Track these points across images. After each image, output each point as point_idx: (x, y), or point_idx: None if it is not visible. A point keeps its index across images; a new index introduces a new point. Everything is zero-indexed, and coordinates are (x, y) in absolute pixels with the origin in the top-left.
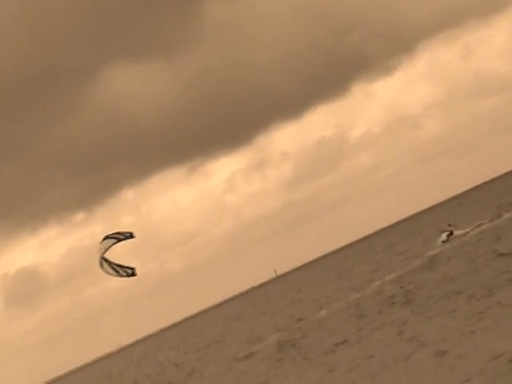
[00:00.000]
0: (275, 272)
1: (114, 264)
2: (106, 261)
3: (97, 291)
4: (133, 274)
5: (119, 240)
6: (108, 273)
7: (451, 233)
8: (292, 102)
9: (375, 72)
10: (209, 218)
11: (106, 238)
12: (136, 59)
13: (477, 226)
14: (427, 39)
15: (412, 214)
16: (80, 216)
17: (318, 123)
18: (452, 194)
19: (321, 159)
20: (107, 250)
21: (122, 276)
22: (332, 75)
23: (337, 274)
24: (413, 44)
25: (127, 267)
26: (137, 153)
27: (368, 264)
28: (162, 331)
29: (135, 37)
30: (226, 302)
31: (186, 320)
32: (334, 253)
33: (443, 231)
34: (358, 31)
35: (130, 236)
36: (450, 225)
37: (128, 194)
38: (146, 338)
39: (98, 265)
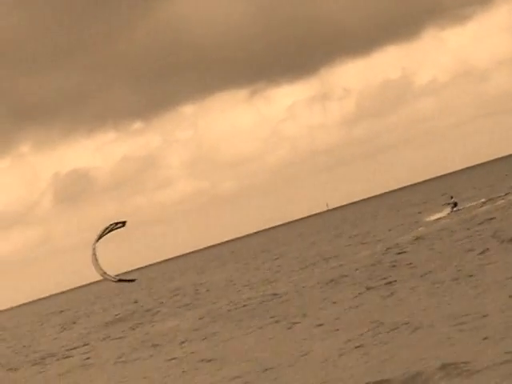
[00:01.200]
0: (326, 205)
1: (113, 277)
2: (107, 275)
3: (144, 202)
4: (132, 280)
5: (111, 230)
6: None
7: (455, 204)
8: (361, 38)
9: (448, 19)
10: (265, 144)
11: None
12: None
13: (483, 203)
14: None
15: (465, 167)
16: (137, 125)
17: (385, 64)
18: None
19: (383, 100)
20: (103, 233)
21: (122, 281)
22: (404, 17)
23: (364, 222)
24: None
25: (127, 279)
26: (200, 70)
27: (393, 221)
28: (197, 252)
29: None
30: (268, 230)
31: (223, 244)
32: (382, 195)
33: (446, 204)
34: None
35: (123, 225)
36: (452, 197)
37: (187, 109)
38: (180, 256)
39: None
